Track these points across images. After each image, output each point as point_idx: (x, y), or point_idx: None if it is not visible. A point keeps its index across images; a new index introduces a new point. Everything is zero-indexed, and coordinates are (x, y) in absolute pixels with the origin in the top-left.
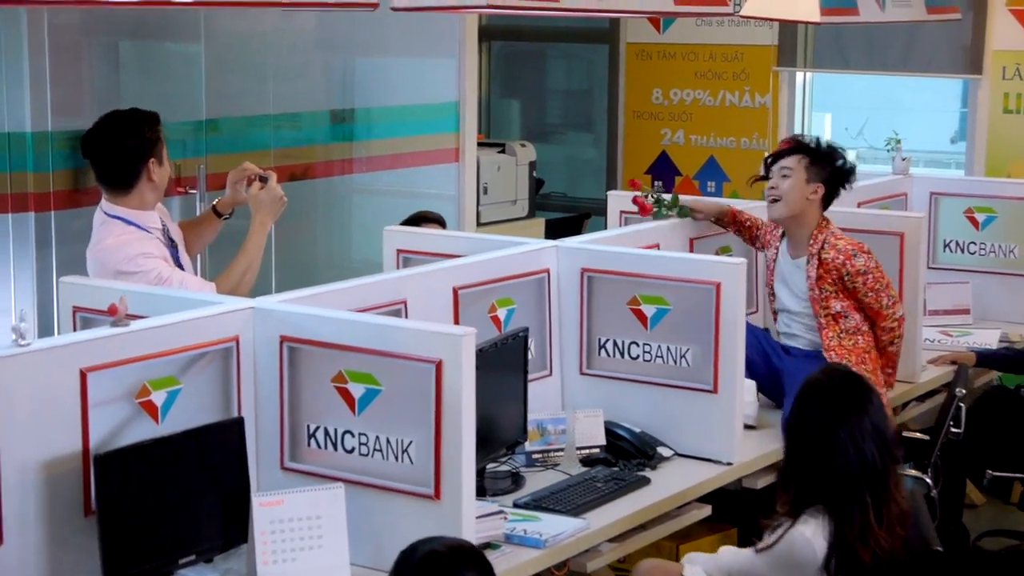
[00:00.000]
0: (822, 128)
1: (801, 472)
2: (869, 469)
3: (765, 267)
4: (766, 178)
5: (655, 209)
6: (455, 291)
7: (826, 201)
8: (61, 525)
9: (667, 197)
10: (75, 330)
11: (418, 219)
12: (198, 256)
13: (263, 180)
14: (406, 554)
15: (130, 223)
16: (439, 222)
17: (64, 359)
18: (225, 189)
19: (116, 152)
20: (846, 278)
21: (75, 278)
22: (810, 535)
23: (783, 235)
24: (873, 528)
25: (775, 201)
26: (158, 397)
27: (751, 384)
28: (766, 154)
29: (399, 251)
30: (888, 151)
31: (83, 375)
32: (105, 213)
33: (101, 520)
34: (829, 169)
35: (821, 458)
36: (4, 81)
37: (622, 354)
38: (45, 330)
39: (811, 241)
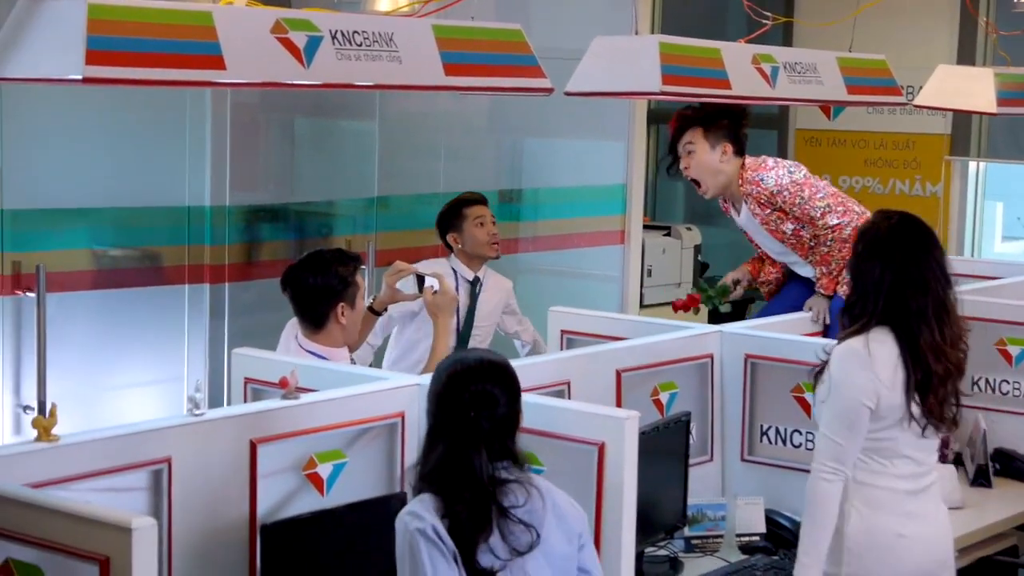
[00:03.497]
0: (993, 217)
1: (869, 306)
2: (937, 300)
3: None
4: (676, 159)
5: (703, 299)
6: (618, 373)
7: (740, 149)
8: None
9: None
10: (246, 401)
11: (459, 203)
12: None
13: (421, 280)
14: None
15: (322, 358)
16: (480, 202)
17: (236, 430)
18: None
19: (306, 291)
20: (770, 202)
21: (247, 350)
22: (860, 346)
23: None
24: (941, 345)
25: (698, 186)
26: (324, 470)
27: (950, 470)
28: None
29: (563, 332)
30: None
31: (253, 446)
32: (300, 345)
33: None
34: (727, 124)
35: (893, 294)
36: (188, 156)
37: (784, 441)
38: (215, 400)
39: (740, 191)
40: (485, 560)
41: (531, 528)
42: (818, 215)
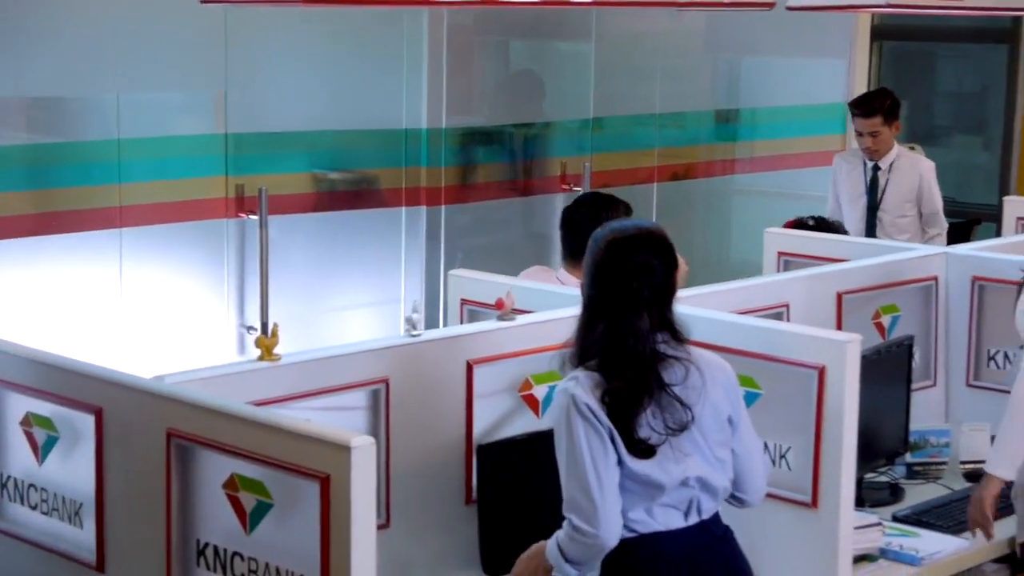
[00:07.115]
0: None
1: None
2: None
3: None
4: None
5: None
6: (839, 296)
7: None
8: (443, 511)
9: None
10: (462, 322)
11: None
12: None
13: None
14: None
15: None
16: (860, 115)
17: (452, 351)
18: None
19: (587, 230)
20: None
21: (463, 271)
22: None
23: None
24: None
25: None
26: (540, 391)
27: None
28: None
29: (780, 253)
30: None
31: (469, 367)
32: (561, 281)
33: (481, 509)
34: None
35: None
36: (405, 79)
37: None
38: (432, 321)
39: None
40: (643, 432)
41: (687, 408)
42: None
